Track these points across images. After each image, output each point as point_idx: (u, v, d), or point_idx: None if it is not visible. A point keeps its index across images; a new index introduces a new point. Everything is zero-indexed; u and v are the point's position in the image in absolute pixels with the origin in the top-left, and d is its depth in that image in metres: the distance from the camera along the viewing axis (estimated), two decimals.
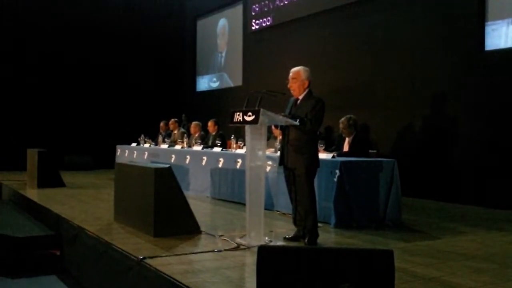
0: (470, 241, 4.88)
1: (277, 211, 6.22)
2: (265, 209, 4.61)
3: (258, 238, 4.46)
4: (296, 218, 4.74)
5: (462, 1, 7.64)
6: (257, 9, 11.82)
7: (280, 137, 4.85)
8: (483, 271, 3.76)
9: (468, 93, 7.50)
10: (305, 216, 4.58)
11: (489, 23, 7.26)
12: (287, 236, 4.76)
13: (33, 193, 8.05)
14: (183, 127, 11.39)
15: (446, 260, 4.07)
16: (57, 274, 5.30)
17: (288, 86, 4.73)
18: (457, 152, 7.59)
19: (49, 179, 8.74)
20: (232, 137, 8.08)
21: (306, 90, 4.67)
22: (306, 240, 4.57)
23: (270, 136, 7.26)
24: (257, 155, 4.54)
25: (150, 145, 10.28)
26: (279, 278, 2.68)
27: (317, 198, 4.74)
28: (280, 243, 4.61)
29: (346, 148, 6.86)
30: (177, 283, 3.34)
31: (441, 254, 4.30)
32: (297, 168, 4.55)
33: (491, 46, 7.24)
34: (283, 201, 5.97)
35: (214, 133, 9.31)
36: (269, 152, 6.33)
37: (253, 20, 11.93)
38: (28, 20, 12.78)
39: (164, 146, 9.75)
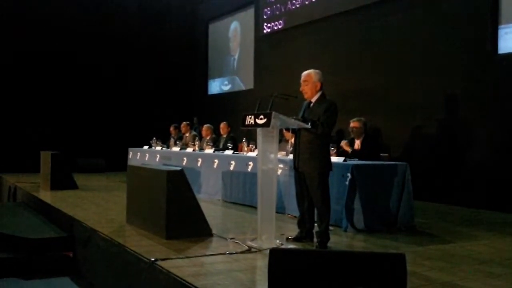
0: (483, 245, 4.84)
1: (288, 214, 6.21)
2: (276, 212, 4.61)
3: (270, 241, 4.47)
4: (301, 221, 4.80)
5: (475, 5, 7.59)
6: (268, 12, 11.85)
7: (292, 140, 4.86)
8: (496, 276, 3.73)
9: (481, 96, 7.44)
10: (319, 219, 4.59)
11: (502, 26, 7.21)
12: (289, 237, 4.82)
13: (46, 195, 8.11)
14: (195, 130, 11.44)
15: (459, 265, 4.05)
16: (70, 276, 5.34)
17: (300, 89, 4.75)
18: (470, 156, 7.54)
19: (62, 181, 8.81)
20: (243, 140, 8.10)
21: (319, 93, 4.68)
22: (316, 243, 4.58)
23: (281, 139, 7.28)
24: (268, 158, 4.55)
25: (162, 148, 10.33)
26: (290, 281, 2.68)
27: None
28: (291, 246, 4.61)
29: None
30: (189, 285, 3.35)
31: (454, 258, 4.28)
32: (310, 171, 4.56)
33: (504, 50, 7.18)
34: (294, 205, 5.93)
35: (225, 135, 9.34)
36: (281, 155, 6.33)
37: (265, 24, 11.95)
38: (42, 23, 12.90)
39: (176, 148, 9.79)
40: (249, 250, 4.36)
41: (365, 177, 5.50)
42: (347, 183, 5.42)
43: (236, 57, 13.65)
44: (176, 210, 4.81)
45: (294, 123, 4.54)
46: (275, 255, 2.72)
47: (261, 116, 4.40)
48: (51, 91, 13.11)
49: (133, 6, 14.31)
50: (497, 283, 3.55)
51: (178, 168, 5.05)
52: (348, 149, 6.77)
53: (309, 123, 4.49)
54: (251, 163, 7.08)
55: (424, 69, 8.25)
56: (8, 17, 12.79)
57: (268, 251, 2.80)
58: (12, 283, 5.12)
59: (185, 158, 8.96)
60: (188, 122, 11.15)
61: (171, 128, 11.42)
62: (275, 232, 4.58)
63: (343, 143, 6.84)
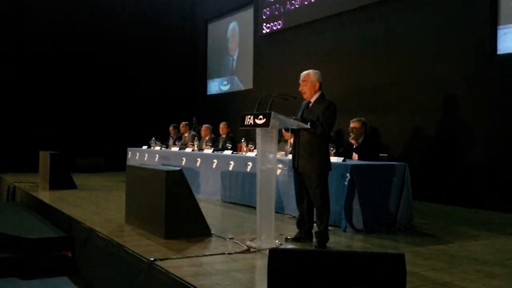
0: (483, 245, 4.84)
1: (287, 214, 6.21)
2: (276, 212, 4.61)
3: (269, 241, 4.46)
4: (300, 221, 4.80)
5: (474, 5, 7.59)
6: (268, 12, 11.84)
7: (291, 140, 4.86)
8: (495, 276, 3.73)
9: (480, 96, 7.45)
10: (318, 220, 4.59)
11: (501, 27, 7.21)
12: (288, 237, 4.82)
13: (45, 195, 8.10)
14: (194, 130, 11.43)
15: (458, 265, 4.05)
16: (68, 276, 5.33)
17: (299, 89, 4.74)
18: (469, 156, 7.54)
19: (61, 181, 8.81)
20: (242, 140, 8.09)
21: (318, 93, 4.68)
22: (316, 243, 4.58)
23: (280, 139, 7.28)
24: (268, 158, 4.54)
25: (161, 148, 10.32)
26: (289, 281, 2.67)
27: None
28: (291, 246, 4.61)
29: (355, 157, 6.80)
30: (188, 285, 3.34)
31: (453, 258, 4.28)
32: (309, 171, 4.56)
33: (503, 50, 7.19)
34: (294, 205, 5.93)
35: (224, 135, 9.34)
36: (280, 155, 6.33)
37: (264, 24, 11.94)
38: (41, 23, 12.89)
39: (175, 148, 9.78)
40: (248, 250, 4.35)
41: (364, 177, 5.50)
42: (346, 183, 5.41)
43: (235, 57, 13.64)
44: (175, 210, 4.81)
45: (293, 123, 4.53)
46: (274, 255, 2.71)
47: (260, 116, 4.40)
48: (50, 91, 13.09)
49: (132, 6, 14.30)
50: (497, 283, 3.54)
51: (177, 168, 5.05)
52: (354, 143, 6.81)
53: (309, 123, 4.49)
54: (250, 163, 7.07)
55: (424, 69, 8.25)
56: (7, 17, 12.77)
57: (267, 251, 2.79)
58: (10, 283, 5.11)
59: (184, 158, 8.95)
60: (187, 122, 11.15)
61: (170, 128, 11.41)
62: (274, 232, 4.58)
63: (350, 138, 6.96)
